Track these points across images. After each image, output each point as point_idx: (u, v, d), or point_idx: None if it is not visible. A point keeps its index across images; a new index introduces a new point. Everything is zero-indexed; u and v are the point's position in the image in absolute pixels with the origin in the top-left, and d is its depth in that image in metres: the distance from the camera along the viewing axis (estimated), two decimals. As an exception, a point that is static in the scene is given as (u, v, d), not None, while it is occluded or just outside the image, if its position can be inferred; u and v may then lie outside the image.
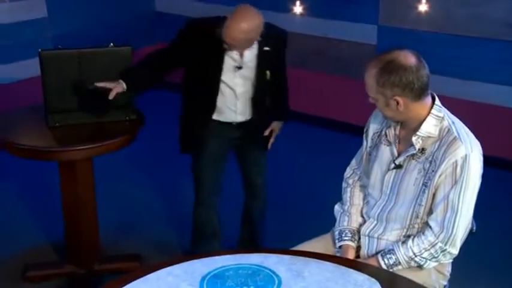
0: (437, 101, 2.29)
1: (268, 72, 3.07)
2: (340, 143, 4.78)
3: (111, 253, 3.59)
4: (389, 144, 2.37)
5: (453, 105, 2.45)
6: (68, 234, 3.39)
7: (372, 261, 2.34)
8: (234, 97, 3.08)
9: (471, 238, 2.40)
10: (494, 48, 4.53)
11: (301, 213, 4.07)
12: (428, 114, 2.25)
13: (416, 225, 2.33)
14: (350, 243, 2.45)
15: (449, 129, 2.24)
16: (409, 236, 2.33)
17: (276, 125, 3.32)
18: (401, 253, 2.29)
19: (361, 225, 2.48)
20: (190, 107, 3.17)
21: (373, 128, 2.47)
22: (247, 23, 2.81)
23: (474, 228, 2.45)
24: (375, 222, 2.42)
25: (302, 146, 5.14)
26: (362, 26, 5.07)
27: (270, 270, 2.10)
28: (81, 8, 5.47)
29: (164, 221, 4.03)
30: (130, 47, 3.12)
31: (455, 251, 2.28)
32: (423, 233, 2.29)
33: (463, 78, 4.68)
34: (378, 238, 2.40)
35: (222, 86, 3.04)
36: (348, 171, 2.61)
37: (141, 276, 2.07)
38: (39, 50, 3.05)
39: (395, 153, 2.35)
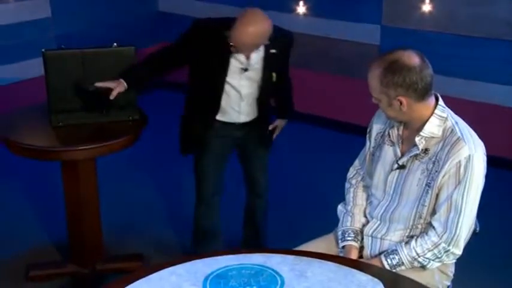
0: (440, 101, 2.28)
1: (274, 74, 3.06)
2: (343, 143, 4.77)
3: (114, 253, 3.59)
4: (393, 144, 2.37)
5: (456, 105, 2.45)
6: (71, 234, 3.40)
7: (375, 262, 2.33)
8: (239, 98, 3.07)
9: (474, 238, 2.40)
10: (497, 48, 4.52)
11: (304, 214, 4.07)
12: (431, 115, 2.25)
13: (419, 226, 2.33)
14: (353, 243, 2.45)
15: (452, 130, 2.23)
16: (412, 237, 2.33)
17: (280, 122, 3.33)
18: (405, 253, 2.29)
19: (364, 225, 2.47)
20: (194, 107, 3.16)
21: (376, 128, 2.47)
22: (255, 28, 2.79)
23: (478, 228, 2.45)
24: (378, 222, 2.42)
25: (305, 146, 5.14)
26: (365, 26, 5.06)
27: (272, 270, 2.09)
28: (84, 8, 5.47)
29: (167, 221, 4.03)
30: (133, 47, 3.12)
31: (458, 251, 2.27)
32: (426, 234, 2.28)
33: (466, 78, 4.67)
34: (381, 238, 2.40)
35: (227, 87, 3.03)
36: (351, 172, 2.61)
37: (144, 276, 2.07)
38: (43, 50, 3.05)
39: (399, 154, 2.34)
